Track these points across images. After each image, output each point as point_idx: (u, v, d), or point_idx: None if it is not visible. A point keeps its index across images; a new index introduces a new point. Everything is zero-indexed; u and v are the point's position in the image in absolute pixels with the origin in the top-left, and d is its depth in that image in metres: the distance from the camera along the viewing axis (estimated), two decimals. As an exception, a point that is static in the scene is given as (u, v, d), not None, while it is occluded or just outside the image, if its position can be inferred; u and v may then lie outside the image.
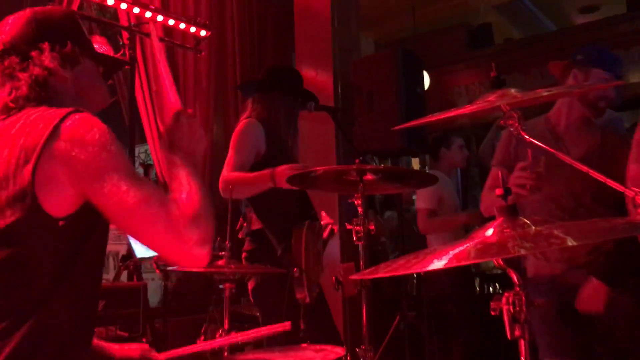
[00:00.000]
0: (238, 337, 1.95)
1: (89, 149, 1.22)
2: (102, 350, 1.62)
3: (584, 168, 1.31)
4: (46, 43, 1.37)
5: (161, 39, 4.38)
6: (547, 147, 1.38)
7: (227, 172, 2.60)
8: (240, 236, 2.82)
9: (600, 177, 1.31)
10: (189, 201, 1.27)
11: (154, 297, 4.25)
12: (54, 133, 1.22)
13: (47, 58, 1.35)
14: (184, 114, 1.43)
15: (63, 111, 1.27)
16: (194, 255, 1.25)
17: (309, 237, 2.55)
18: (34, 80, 1.34)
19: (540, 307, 2.22)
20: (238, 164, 2.61)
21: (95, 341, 1.58)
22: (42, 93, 1.34)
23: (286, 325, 1.98)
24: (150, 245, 1.27)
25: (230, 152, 2.67)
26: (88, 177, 1.22)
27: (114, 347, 1.64)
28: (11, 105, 1.33)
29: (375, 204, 5.72)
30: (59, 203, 1.23)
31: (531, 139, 1.33)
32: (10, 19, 1.41)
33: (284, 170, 2.43)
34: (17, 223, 1.21)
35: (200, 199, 1.29)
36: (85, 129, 1.24)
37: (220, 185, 2.59)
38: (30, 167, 1.20)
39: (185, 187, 1.30)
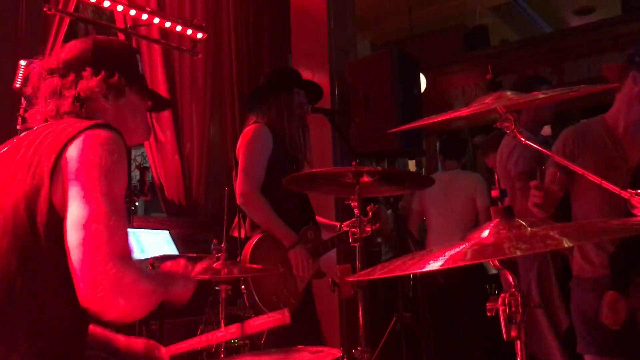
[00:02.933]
0: (240, 331, 1.88)
1: (85, 156, 1.26)
2: (108, 340, 1.62)
3: (580, 170, 1.31)
4: (94, 69, 1.45)
5: (157, 41, 4.38)
6: (544, 150, 1.38)
7: (249, 188, 2.69)
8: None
9: (596, 179, 1.32)
10: (135, 272, 1.20)
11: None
12: (72, 139, 1.28)
13: (93, 82, 1.44)
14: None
15: (89, 122, 1.34)
16: (98, 296, 1.15)
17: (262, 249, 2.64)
18: (76, 97, 1.42)
19: (586, 307, 2.21)
20: (257, 177, 2.71)
21: (101, 330, 1.59)
22: (82, 110, 1.42)
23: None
24: (82, 264, 1.17)
25: (246, 162, 2.73)
26: (70, 174, 1.24)
27: (120, 339, 1.64)
28: (50, 120, 1.43)
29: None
30: (63, 203, 1.25)
31: (527, 142, 1.34)
32: (73, 42, 1.53)
33: (299, 255, 2.66)
34: (30, 216, 1.25)
35: (143, 286, 1.21)
36: (95, 142, 1.29)
37: (239, 199, 2.70)
38: (49, 166, 1.26)
39: (144, 274, 1.23)
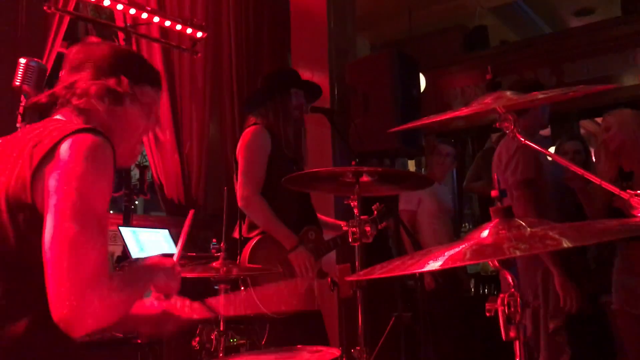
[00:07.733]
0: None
1: (66, 166, 1.23)
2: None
3: (579, 170, 1.31)
4: (93, 72, 1.43)
5: (157, 40, 4.37)
6: (541, 149, 1.38)
7: (249, 191, 2.70)
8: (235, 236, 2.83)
9: (596, 180, 1.32)
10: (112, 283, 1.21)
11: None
12: (58, 144, 1.25)
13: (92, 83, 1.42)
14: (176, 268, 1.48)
15: (76, 126, 1.30)
16: (65, 318, 1.14)
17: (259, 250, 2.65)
18: (83, 91, 1.41)
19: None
20: (257, 179, 2.72)
21: None
22: (82, 103, 1.40)
23: None
24: (49, 283, 1.16)
25: (246, 164, 2.74)
26: (50, 186, 1.21)
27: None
28: (58, 99, 1.42)
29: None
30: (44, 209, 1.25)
31: (526, 141, 1.34)
32: (102, 44, 1.56)
33: (300, 256, 2.65)
34: (14, 220, 1.24)
35: (118, 299, 1.22)
36: (80, 149, 1.25)
37: (240, 202, 2.71)
38: (31, 169, 1.24)
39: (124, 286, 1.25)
